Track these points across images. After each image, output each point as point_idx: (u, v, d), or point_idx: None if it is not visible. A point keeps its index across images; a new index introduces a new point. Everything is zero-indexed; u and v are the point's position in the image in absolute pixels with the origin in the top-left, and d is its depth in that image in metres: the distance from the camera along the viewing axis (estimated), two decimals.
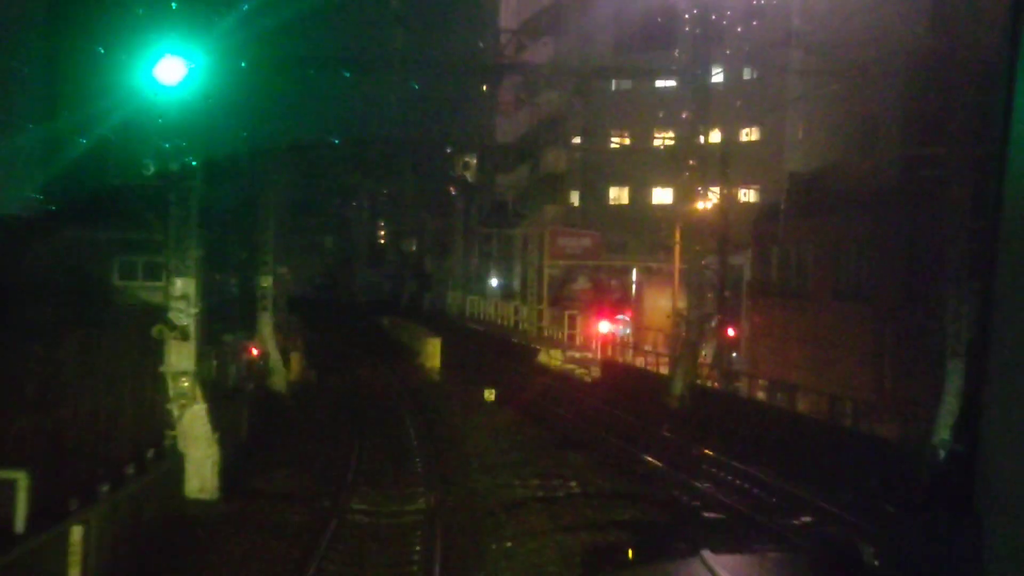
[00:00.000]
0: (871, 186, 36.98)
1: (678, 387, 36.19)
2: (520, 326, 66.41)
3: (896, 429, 28.41)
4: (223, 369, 32.25)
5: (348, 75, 44.11)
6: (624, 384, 43.29)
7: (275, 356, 39.65)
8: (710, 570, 11.75)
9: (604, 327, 54.83)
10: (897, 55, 36.26)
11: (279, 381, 39.25)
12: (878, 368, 35.27)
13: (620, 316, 58.11)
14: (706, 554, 12.10)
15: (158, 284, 24.04)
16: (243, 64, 29.31)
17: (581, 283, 64.97)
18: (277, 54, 35.35)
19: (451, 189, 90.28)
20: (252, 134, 40.07)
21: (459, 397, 40.18)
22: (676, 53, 53.01)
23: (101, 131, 23.91)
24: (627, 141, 69.51)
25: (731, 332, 45.07)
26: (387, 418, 36.06)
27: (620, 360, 50.44)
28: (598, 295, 62.98)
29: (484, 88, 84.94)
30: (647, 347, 51.32)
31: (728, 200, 43.89)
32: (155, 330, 20.53)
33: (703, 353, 41.11)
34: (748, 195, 57.65)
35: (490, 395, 38.12)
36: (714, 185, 41.75)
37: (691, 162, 38.35)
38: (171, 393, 20.87)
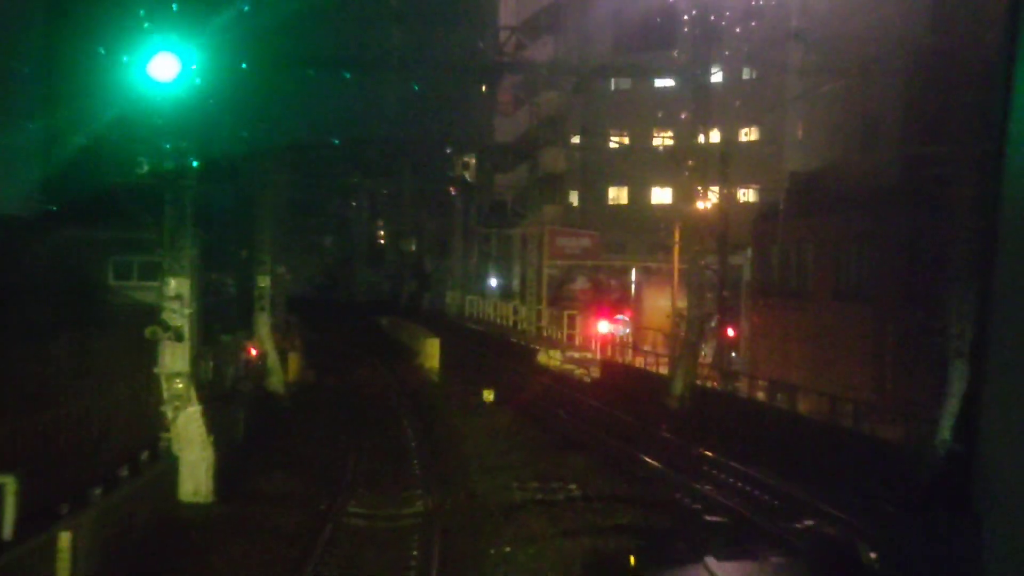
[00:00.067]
0: (872, 185, 36.76)
1: (678, 387, 35.97)
2: (519, 326, 66.20)
3: (898, 430, 28.18)
4: (220, 370, 32.03)
5: (348, 76, 43.93)
6: (623, 384, 43.08)
7: (273, 356, 39.40)
8: None
9: (603, 327, 54.64)
10: (898, 53, 36.04)
11: (277, 381, 39.02)
12: (879, 368, 35.06)
13: (619, 316, 57.89)
14: (710, 561, 11.88)
15: (154, 284, 23.79)
16: (240, 62, 29.08)
17: (580, 283, 64.79)
18: (274, 53, 35.12)
19: (450, 189, 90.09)
20: (249, 133, 39.82)
21: (458, 397, 39.94)
22: (675, 54, 52.84)
23: (95, 129, 23.63)
24: (626, 141, 69.30)
25: (731, 332, 44.86)
26: (385, 419, 35.83)
27: (619, 360, 50.23)
28: (597, 295, 62.81)
29: (483, 88, 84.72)
30: (646, 347, 51.12)
31: (728, 200, 43.66)
32: (148, 331, 20.28)
33: (703, 353, 40.91)
34: (747, 195, 57.49)
35: (489, 396, 37.89)
36: (714, 185, 41.53)
37: (690, 162, 38.15)
38: (165, 395, 20.61)
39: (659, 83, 65.43)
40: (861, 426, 29.01)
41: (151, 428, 21.94)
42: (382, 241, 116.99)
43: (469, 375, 46.24)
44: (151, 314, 21.51)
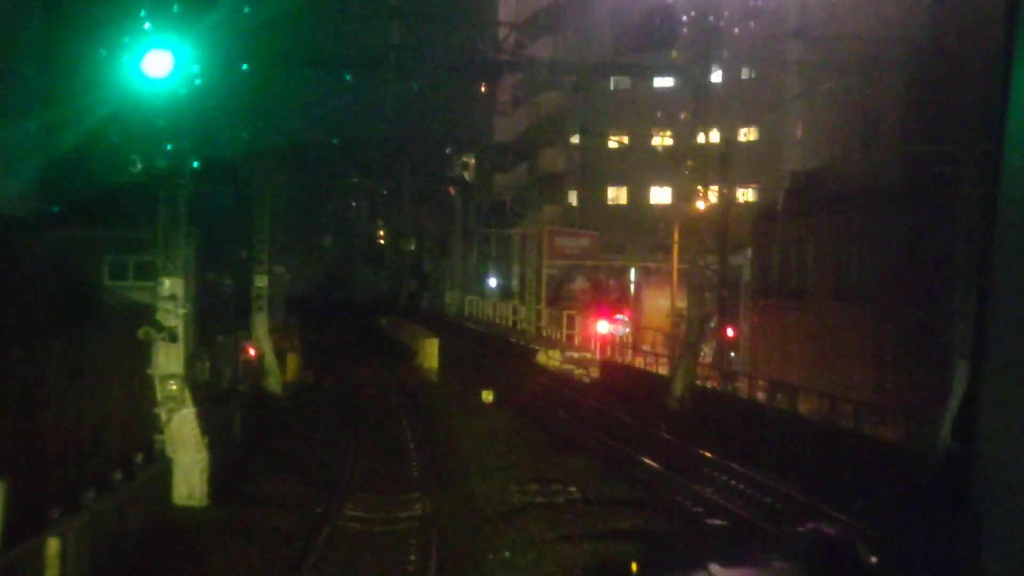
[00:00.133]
0: (872, 184, 36.55)
1: (678, 388, 35.73)
2: (518, 326, 66.04)
3: (898, 430, 27.98)
4: (217, 370, 31.81)
5: (348, 78, 43.70)
6: (623, 385, 42.88)
7: (270, 357, 39.17)
8: None
9: (603, 327, 54.43)
10: (898, 52, 35.83)
11: (274, 382, 38.78)
12: (879, 368, 34.84)
13: (619, 316, 57.66)
14: (714, 568, 11.63)
15: (149, 284, 23.47)
16: (235, 60, 28.84)
17: (580, 283, 64.59)
18: (270, 51, 34.87)
19: (450, 189, 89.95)
20: (247, 132, 39.57)
21: (457, 398, 39.73)
22: (674, 54, 52.65)
23: (89, 127, 23.37)
24: (626, 141, 69.09)
25: (730, 332, 44.64)
26: (384, 419, 35.60)
27: (619, 360, 50.05)
28: (597, 295, 62.60)
29: (483, 88, 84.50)
30: (646, 347, 50.94)
31: (727, 199, 43.42)
32: (141, 332, 20.00)
33: (703, 353, 40.68)
34: (746, 195, 57.27)
35: (488, 396, 37.68)
36: (713, 184, 41.31)
37: (689, 163, 37.96)
38: (159, 396, 20.33)
39: (658, 83, 65.25)
40: (861, 427, 28.82)
41: (146, 430, 21.69)
42: (381, 241, 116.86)
43: (468, 375, 46.04)
44: (146, 314, 21.24)
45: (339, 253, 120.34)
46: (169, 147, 20.27)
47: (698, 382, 37.24)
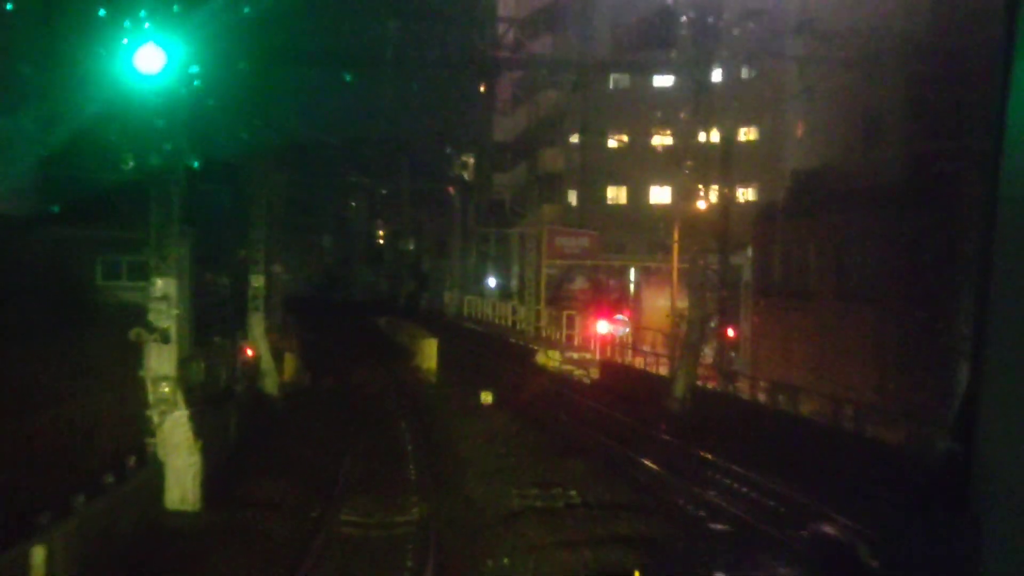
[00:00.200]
0: (875, 183, 36.22)
1: (679, 389, 35.39)
2: (518, 326, 65.74)
3: (901, 432, 27.69)
4: (213, 371, 31.43)
5: (348, 79, 43.39)
6: (623, 385, 42.56)
7: (267, 358, 38.79)
8: None
9: (603, 327, 54.10)
10: (901, 48, 35.51)
11: (271, 383, 38.40)
12: (881, 370, 34.52)
13: (619, 316, 57.34)
14: None
15: (143, 284, 23.11)
16: (230, 56, 28.48)
17: (579, 283, 64.28)
18: (268, 48, 34.52)
19: (449, 188, 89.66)
20: (243, 130, 39.18)
21: (456, 399, 39.37)
22: (674, 54, 52.35)
23: (80, 124, 22.99)
24: (625, 139, 68.79)
25: (730, 333, 44.34)
26: (382, 421, 35.25)
27: (619, 361, 49.73)
28: (596, 295, 62.30)
29: (482, 87, 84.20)
30: (646, 348, 50.64)
31: (728, 198, 43.11)
32: (133, 333, 19.64)
33: (704, 353, 40.36)
34: (747, 194, 57.00)
35: (487, 398, 37.32)
36: (713, 183, 41.02)
37: (689, 162, 37.69)
38: (151, 399, 19.96)
39: (658, 82, 64.94)
40: (864, 428, 28.53)
41: (139, 432, 21.32)
42: (380, 241, 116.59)
43: (467, 376, 45.70)
44: (140, 315, 20.89)
45: (338, 253, 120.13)
46: (163, 145, 19.91)
47: (699, 383, 36.92)
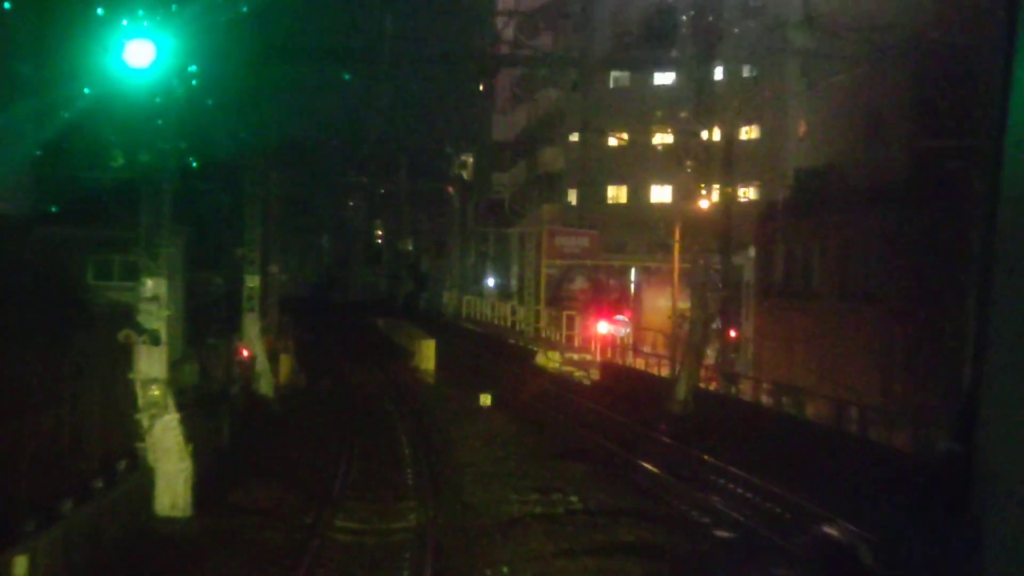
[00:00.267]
0: (879, 182, 35.78)
1: (681, 391, 34.90)
2: (517, 327, 65.33)
3: (906, 435, 27.27)
4: (206, 373, 30.97)
5: (347, 77, 42.98)
6: (624, 387, 42.12)
7: (262, 359, 38.32)
8: None
9: (603, 328, 53.68)
10: (905, 46, 35.06)
11: (266, 385, 37.93)
12: (886, 371, 34.08)
13: (619, 316, 56.92)
14: None
15: (135, 284, 22.62)
16: (228, 54, 27.99)
17: (579, 283, 63.88)
18: (264, 44, 34.06)
19: (448, 188, 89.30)
20: (241, 128, 38.72)
21: (454, 401, 38.94)
22: (674, 53, 51.97)
23: (70, 119, 22.52)
24: (625, 138, 68.35)
25: (733, 333, 43.91)
26: (378, 424, 34.78)
27: (619, 362, 49.30)
28: (596, 295, 61.92)
29: (481, 86, 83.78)
30: (646, 348, 50.22)
31: (730, 198, 42.67)
32: (121, 334, 19.15)
33: (706, 355, 39.89)
34: (748, 193, 56.57)
35: (486, 400, 36.90)
36: (714, 182, 40.57)
37: (688, 162, 37.22)
38: (140, 402, 19.46)
39: (658, 80, 64.53)
40: (868, 431, 28.10)
41: (130, 436, 20.83)
42: (379, 241, 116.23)
43: (466, 377, 45.28)
44: (131, 316, 20.41)
45: (336, 253, 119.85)
46: (153, 142, 19.44)
47: (701, 384, 36.48)
